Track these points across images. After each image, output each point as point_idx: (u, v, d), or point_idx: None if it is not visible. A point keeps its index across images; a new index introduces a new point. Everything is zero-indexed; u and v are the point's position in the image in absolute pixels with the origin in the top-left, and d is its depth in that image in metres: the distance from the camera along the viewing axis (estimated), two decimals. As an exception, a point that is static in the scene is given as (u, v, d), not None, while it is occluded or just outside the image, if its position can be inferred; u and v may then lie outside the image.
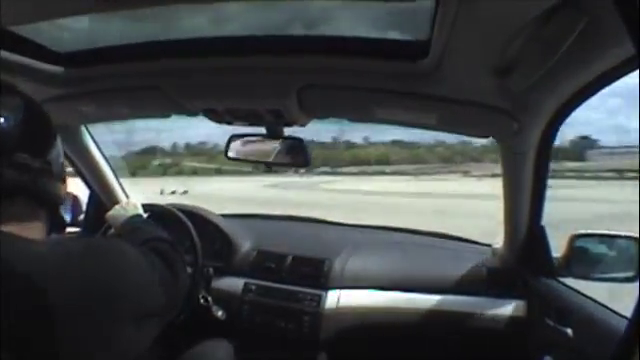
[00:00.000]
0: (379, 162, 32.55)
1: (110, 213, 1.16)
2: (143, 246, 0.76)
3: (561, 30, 0.65)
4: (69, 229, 1.67)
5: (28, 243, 0.56)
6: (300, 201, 13.23)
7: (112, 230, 1.40)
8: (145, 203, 1.44)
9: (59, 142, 0.67)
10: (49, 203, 0.63)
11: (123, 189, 1.74)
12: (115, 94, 1.15)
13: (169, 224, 1.33)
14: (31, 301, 0.51)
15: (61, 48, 1.04)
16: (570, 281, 1.20)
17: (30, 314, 0.50)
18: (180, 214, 1.27)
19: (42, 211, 0.63)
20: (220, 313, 1.37)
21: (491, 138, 1.16)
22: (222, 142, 1.24)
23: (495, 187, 1.38)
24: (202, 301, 1.36)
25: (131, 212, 1.11)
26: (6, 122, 0.58)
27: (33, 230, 0.61)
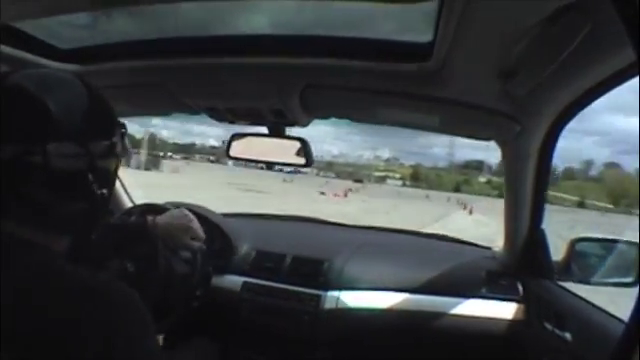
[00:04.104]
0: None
1: (161, 223, 1.07)
2: None
3: (564, 35, 0.65)
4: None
5: (48, 258, 0.54)
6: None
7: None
8: (144, 203, 1.44)
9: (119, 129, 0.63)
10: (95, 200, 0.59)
11: (125, 189, 1.74)
12: (117, 91, 1.15)
13: None
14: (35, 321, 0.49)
15: (64, 45, 1.04)
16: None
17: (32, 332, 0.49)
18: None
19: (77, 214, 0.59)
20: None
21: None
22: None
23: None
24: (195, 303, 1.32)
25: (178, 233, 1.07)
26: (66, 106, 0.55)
27: (59, 238, 0.59)
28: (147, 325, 0.57)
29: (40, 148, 0.51)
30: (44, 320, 0.49)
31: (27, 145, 0.51)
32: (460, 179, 69.80)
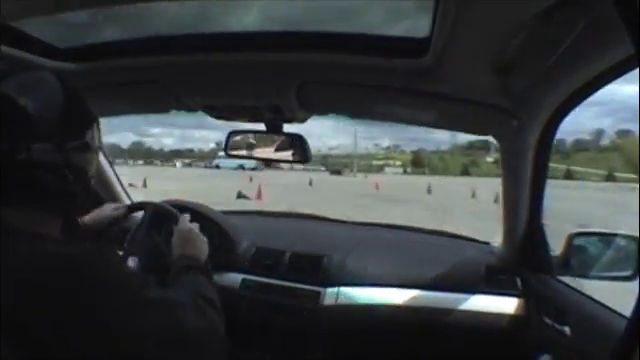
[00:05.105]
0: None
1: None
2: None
3: (561, 28, 0.65)
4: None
5: (45, 244, 0.60)
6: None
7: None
8: (141, 201, 1.44)
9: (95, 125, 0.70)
10: (74, 192, 0.66)
11: (124, 188, 1.74)
12: (115, 90, 1.15)
13: (165, 221, 1.32)
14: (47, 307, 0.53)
15: (61, 43, 1.04)
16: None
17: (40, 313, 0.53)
18: (175, 211, 1.27)
19: (63, 204, 0.66)
20: None
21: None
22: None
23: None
24: None
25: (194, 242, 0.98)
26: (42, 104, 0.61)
27: (51, 223, 0.65)
28: (139, 303, 0.62)
29: (22, 147, 0.58)
30: (43, 297, 0.54)
31: (12, 144, 0.58)
32: (466, 161, 63.40)
